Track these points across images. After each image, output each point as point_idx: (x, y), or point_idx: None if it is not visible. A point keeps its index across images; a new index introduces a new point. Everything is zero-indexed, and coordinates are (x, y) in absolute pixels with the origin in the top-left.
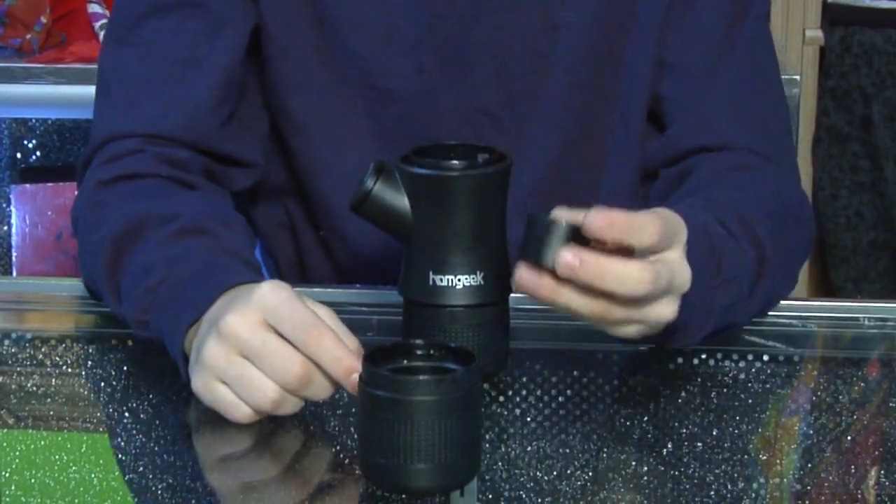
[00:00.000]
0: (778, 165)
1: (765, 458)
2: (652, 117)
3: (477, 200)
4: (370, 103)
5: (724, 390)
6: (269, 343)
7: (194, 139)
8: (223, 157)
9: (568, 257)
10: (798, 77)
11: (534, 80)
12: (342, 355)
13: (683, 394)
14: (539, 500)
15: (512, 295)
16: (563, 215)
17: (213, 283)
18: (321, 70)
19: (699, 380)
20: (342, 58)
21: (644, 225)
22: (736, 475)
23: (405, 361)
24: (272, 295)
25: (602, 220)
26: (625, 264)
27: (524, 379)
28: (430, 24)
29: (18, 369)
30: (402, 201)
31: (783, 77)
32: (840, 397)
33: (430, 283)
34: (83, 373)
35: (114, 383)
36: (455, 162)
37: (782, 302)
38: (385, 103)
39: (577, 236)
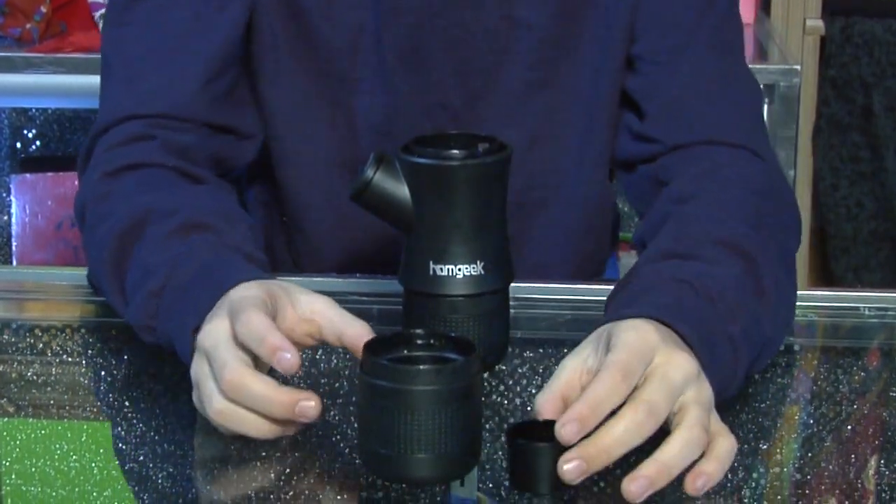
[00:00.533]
0: (753, 154)
1: (765, 447)
2: (629, 107)
3: (477, 190)
4: (336, 95)
5: None
6: (218, 349)
7: (195, 113)
8: (226, 129)
9: (572, 470)
10: (798, 67)
11: (493, 76)
12: (273, 341)
13: None
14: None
15: (512, 284)
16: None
17: (213, 284)
18: (290, 61)
19: None
20: (313, 49)
21: (605, 393)
22: (736, 464)
23: (405, 351)
24: (234, 294)
25: (573, 429)
26: (615, 424)
27: (524, 368)
28: (391, 17)
29: (19, 358)
30: (402, 191)
31: (784, 67)
32: (840, 386)
33: (431, 272)
34: (83, 362)
35: (114, 372)
36: (455, 151)
37: None
38: (349, 95)
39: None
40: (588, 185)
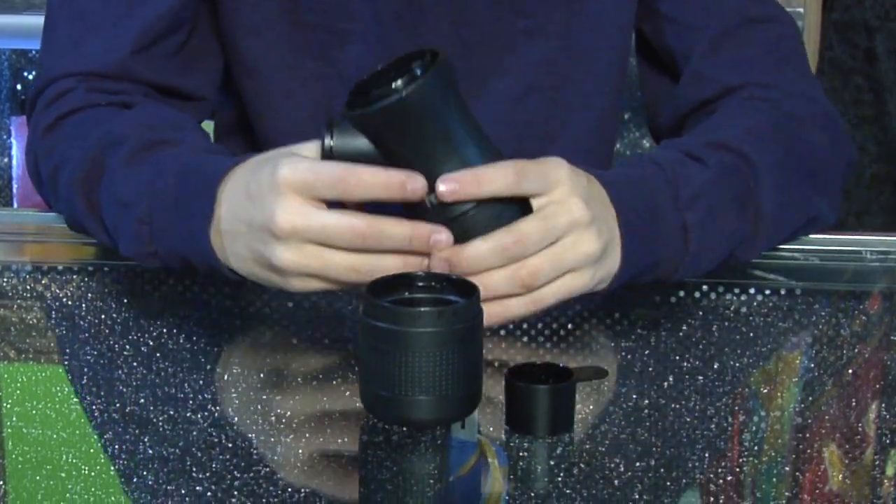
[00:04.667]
0: (773, 88)
1: (766, 391)
2: (665, 70)
3: (431, 111)
4: (324, 46)
5: (726, 324)
6: (327, 220)
7: (135, 74)
8: (169, 90)
9: (437, 263)
10: (801, 10)
11: (488, 26)
12: (387, 179)
13: (685, 327)
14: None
15: None
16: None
17: (202, 184)
18: (276, 14)
19: (701, 313)
20: (300, 2)
21: (492, 174)
22: (737, 409)
23: (406, 293)
24: (293, 175)
25: (451, 185)
26: (483, 241)
27: None
28: None
29: (19, 301)
30: (364, 144)
31: (787, 10)
32: (842, 331)
33: (428, 204)
34: (84, 304)
35: (114, 315)
36: (394, 85)
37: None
38: (341, 46)
39: None
40: (587, 137)
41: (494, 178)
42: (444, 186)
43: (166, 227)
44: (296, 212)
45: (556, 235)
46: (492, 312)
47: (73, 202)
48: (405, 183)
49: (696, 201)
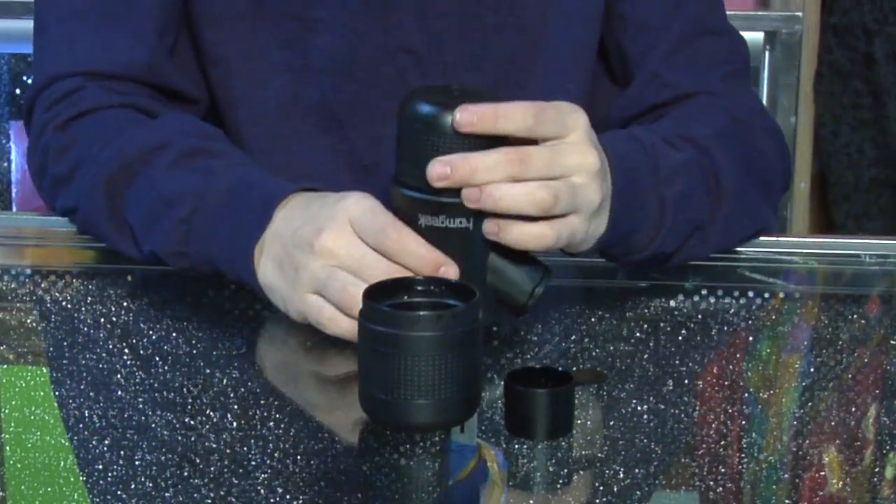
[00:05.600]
0: (725, 97)
1: (765, 395)
2: (611, 70)
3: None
4: (291, 35)
5: (725, 327)
6: (366, 257)
7: (137, 74)
8: (168, 92)
9: (435, 169)
10: (800, 14)
11: (459, 20)
12: (425, 253)
13: (684, 331)
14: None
15: None
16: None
17: (260, 198)
18: (242, 2)
19: (700, 317)
20: None
21: (512, 111)
22: (736, 412)
23: (405, 297)
24: (355, 207)
25: (468, 116)
26: (489, 153)
27: (526, 314)
28: None
29: (18, 305)
30: None
31: (786, 14)
32: (841, 334)
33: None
34: (83, 308)
35: (114, 319)
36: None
37: (784, 238)
38: (308, 34)
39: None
40: None
41: (512, 116)
42: (461, 115)
43: (207, 231)
44: (340, 238)
45: (561, 171)
46: (511, 232)
47: (92, 200)
48: (440, 267)
49: (674, 178)
